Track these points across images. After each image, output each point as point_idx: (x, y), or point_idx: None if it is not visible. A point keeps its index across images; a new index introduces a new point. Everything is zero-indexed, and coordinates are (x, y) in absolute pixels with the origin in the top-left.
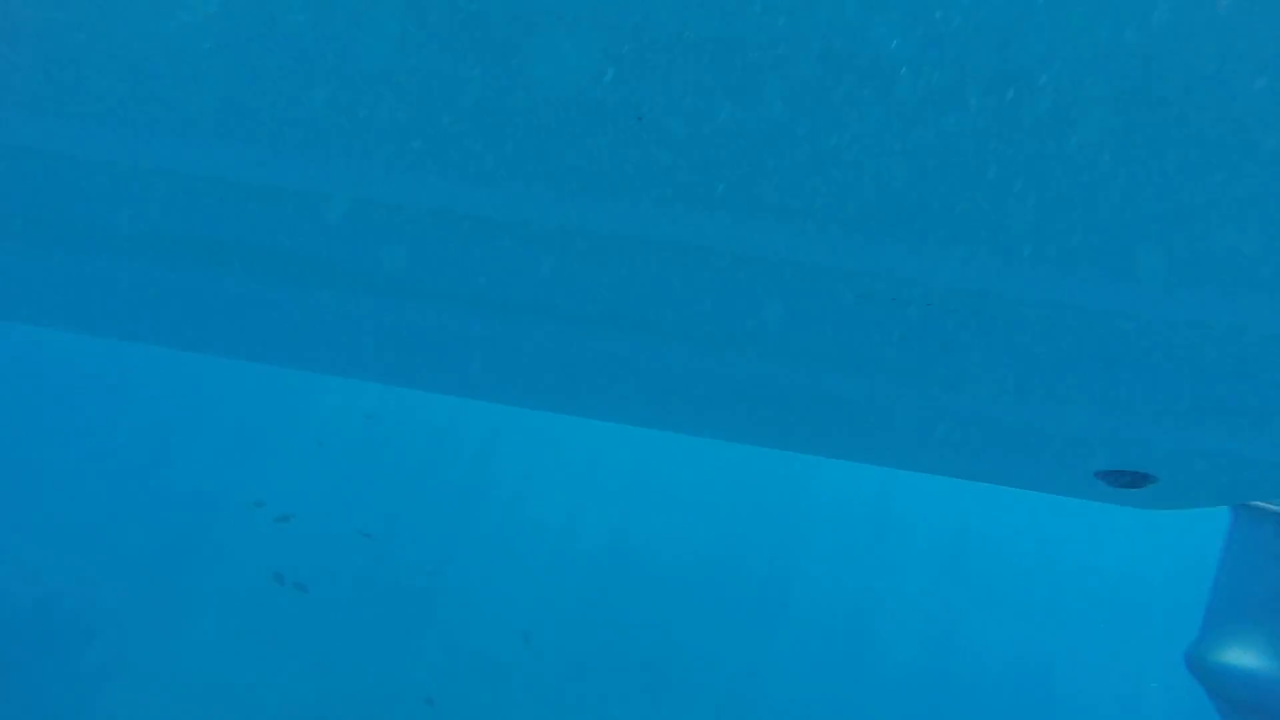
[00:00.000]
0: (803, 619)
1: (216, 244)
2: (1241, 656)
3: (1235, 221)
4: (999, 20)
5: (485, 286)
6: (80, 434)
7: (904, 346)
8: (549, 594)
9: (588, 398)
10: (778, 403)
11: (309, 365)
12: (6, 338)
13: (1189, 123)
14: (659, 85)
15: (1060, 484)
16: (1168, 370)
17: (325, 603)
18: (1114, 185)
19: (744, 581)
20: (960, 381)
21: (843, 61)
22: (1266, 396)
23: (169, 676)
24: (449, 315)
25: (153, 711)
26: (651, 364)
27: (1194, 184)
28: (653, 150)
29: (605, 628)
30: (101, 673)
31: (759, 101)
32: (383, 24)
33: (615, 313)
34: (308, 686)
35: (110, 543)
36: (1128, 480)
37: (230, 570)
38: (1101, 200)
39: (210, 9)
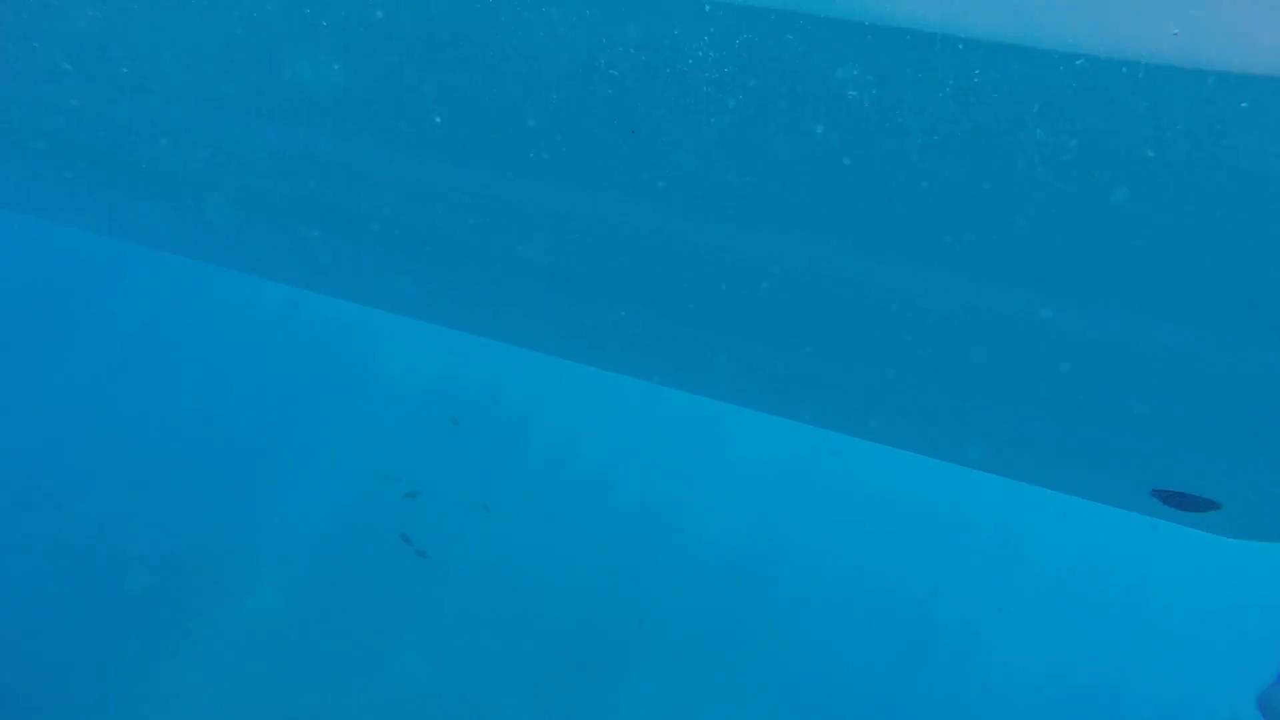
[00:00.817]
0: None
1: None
2: None
3: None
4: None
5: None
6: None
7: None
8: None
9: (696, 376)
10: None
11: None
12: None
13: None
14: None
15: (1117, 497)
16: (1241, 406)
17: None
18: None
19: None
20: (1026, 395)
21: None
22: None
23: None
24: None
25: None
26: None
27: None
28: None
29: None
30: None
31: (855, 152)
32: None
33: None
34: (414, 657)
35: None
36: (1187, 502)
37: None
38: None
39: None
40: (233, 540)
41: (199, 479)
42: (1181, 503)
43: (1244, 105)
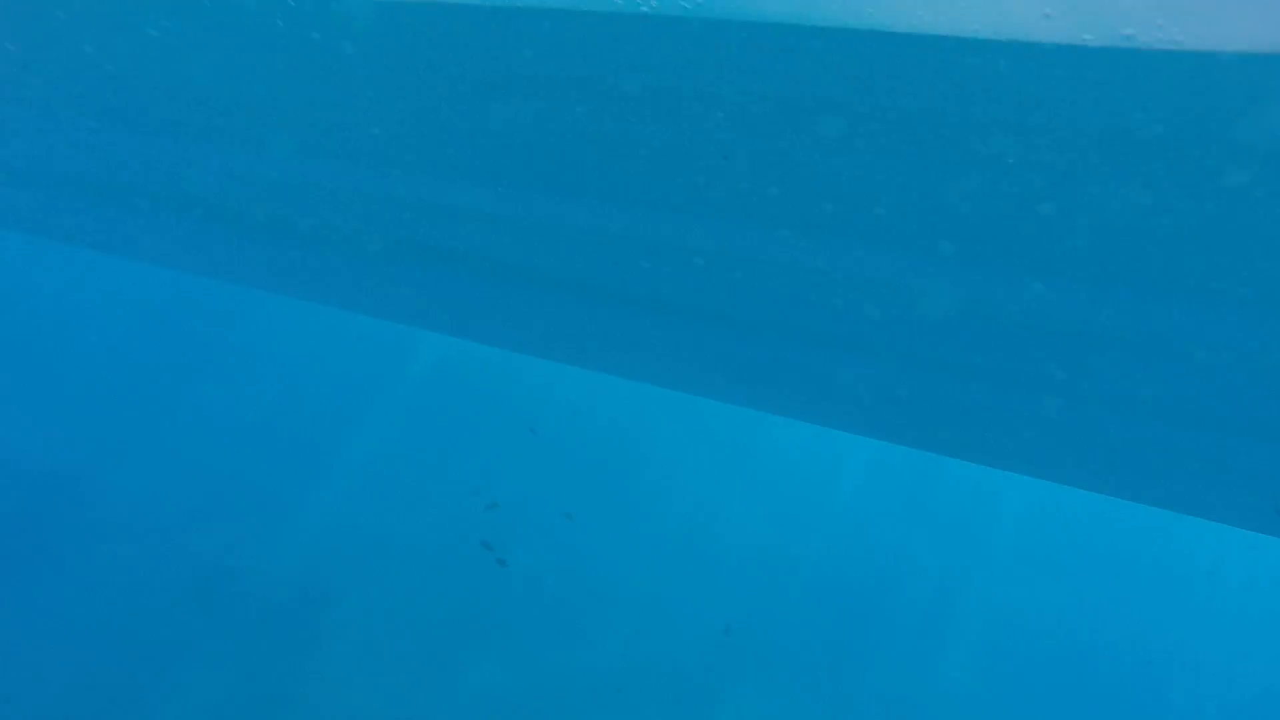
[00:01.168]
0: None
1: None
2: None
3: None
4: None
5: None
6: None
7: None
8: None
9: (735, 387)
10: (945, 411)
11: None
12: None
13: None
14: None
15: (1240, 517)
16: None
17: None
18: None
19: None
20: (1131, 405)
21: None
22: None
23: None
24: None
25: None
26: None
27: None
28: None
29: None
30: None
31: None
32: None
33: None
34: (498, 669)
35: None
36: None
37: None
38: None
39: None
40: (320, 554)
41: (294, 500)
42: None
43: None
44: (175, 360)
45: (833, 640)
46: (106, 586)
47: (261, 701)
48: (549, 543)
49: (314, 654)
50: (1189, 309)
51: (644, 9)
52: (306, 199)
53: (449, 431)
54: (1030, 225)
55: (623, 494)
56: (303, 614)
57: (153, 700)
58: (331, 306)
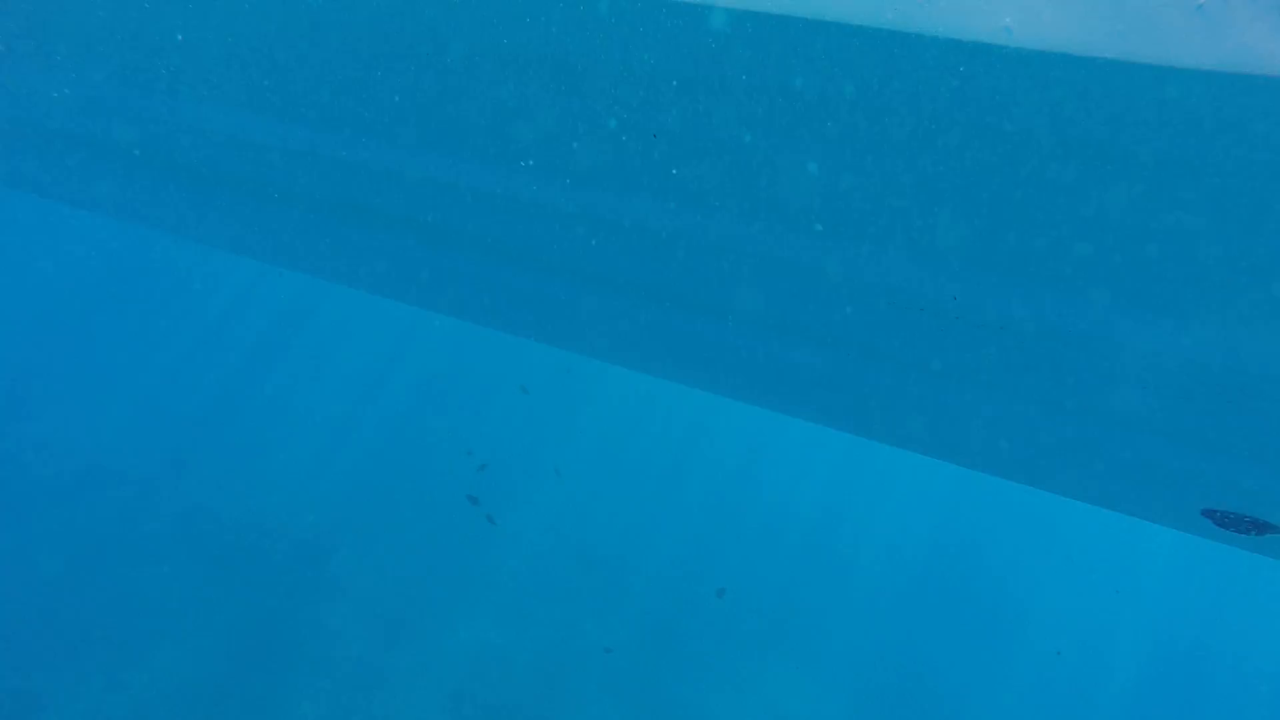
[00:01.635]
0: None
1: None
2: None
3: None
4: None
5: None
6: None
7: (1017, 370)
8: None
9: (717, 376)
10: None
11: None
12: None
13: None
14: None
15: (1166, 516)
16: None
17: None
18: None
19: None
20: (1062, 404)
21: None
22: None
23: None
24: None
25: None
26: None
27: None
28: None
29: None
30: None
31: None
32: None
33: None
34: (493, 629)
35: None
36: (1242, 524)
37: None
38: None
39: None
40: (319, 509)
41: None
42: (1238, 524)
43: None
44: (163, 317)
45: (812, 597)
46: (128, 545)
47: (261, 649)
48: (539, 503)
49: (312, 606)
50: (1125, 314)
51: None
52: (314, 168)
53: (442, 396)
54: (963, 222)
55: (619, 463)
56: (301, 568)
57: (162, 645)
58: (325, 278)
